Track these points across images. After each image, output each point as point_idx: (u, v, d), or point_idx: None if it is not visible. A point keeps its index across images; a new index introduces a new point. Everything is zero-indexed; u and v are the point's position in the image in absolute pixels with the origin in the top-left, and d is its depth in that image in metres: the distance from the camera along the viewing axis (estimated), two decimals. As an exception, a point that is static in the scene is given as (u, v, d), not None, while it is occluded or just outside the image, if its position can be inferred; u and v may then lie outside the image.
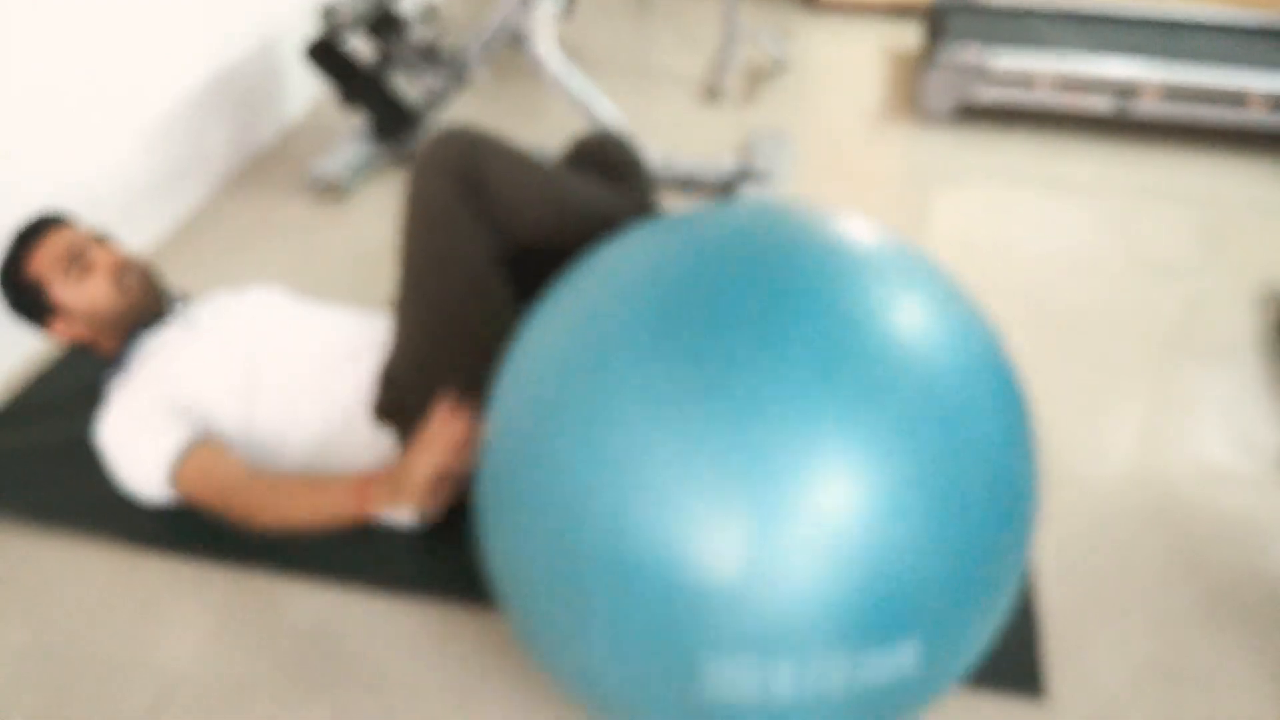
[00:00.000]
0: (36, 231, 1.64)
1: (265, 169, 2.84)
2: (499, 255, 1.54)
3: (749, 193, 2.61)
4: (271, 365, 1.60)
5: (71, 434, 1.84)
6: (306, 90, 3.10)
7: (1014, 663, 1.45)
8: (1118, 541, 1.68)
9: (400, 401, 1.55)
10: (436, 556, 1.60)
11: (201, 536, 1.63)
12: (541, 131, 3.03)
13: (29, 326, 1.69)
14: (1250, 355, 2.14)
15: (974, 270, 2.43)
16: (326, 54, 2.58)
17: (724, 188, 2.70)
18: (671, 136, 3.04)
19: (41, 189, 2.07)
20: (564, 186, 1.57)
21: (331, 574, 1.58)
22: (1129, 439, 1.89)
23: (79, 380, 1.98)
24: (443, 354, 1.51)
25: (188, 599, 1.55)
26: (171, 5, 2.43)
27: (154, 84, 2.41)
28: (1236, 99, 2.89)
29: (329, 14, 2.53)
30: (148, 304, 1.69)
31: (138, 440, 1.53)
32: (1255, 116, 2.90)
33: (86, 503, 1.69)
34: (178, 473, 1.52)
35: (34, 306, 1.64)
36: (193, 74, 2.57)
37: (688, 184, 2.72)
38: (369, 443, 1.59)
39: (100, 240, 1.68)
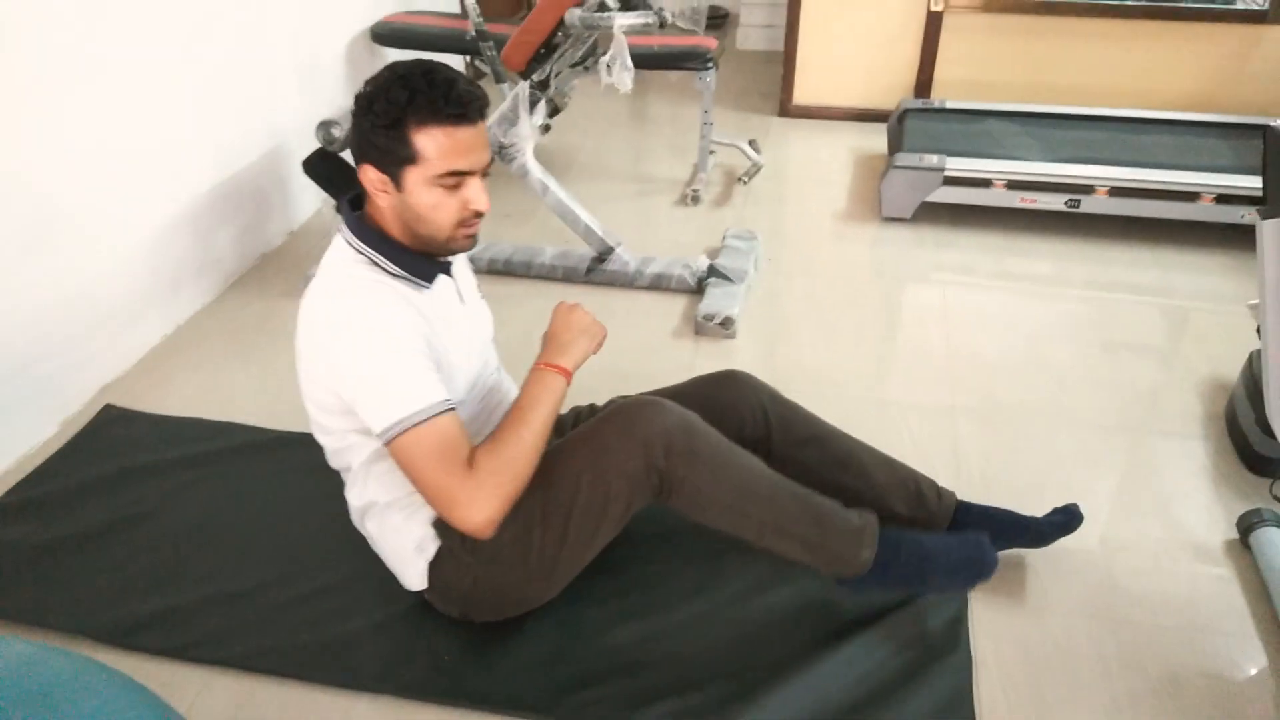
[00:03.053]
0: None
1: (271, 270, 3.00)
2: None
3: (717, 291, 2.75)
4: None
5: (63, 532, 1.94)
6: (313, 195, 3.29)
7: None
8: (1057, 631, 1.73)
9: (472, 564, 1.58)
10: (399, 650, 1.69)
11: (182, 638, 1.71)
12: (528, 233, 3.20)
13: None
14: (1197, 445, 2.24)
15: (930, 362, 2.55)
16: (322, 164, 2.76)
17: (697, 285, 2.84)
18: (653, 237, 3.20)
19: (50, 285, 2.22)
20: (755, 499, 1.59)
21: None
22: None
23: (77, 476, 2.09)
24: (537, 556, 1.57)
25: (159, 693, 1.63)
26: (185, 115, 2.62)
27: (165, 189, 2.59)
28: (1186, 194, 3.05)
29: (324, 127, 2.72)
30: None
31: (393, 365, 1.41)
32: (1204, 211, 3.05)
33: (72, 603, 1.77)
34: (416, 430, 1.40)
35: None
36: (203, 180, 2.75)
37: (659, 283, 2.87)
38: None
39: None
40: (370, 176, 1.44)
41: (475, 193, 1.45)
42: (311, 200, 3.29)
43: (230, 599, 1.79)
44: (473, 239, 1.51)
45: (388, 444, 1.42)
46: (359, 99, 1.42)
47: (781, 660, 1.64)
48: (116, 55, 2.35)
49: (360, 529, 1.69)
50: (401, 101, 1.38)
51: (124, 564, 1.87)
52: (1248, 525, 1.92)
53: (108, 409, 2.32)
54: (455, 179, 1.42)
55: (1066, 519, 1.83)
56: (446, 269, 1.57)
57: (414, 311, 1.46)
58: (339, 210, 1.56)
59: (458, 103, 1.39)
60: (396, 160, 1.41)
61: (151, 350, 2.58)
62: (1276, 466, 2.06)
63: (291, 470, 2.10)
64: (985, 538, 1.68)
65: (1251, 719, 1.59)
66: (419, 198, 1.43)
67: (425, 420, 1.40)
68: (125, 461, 2.14)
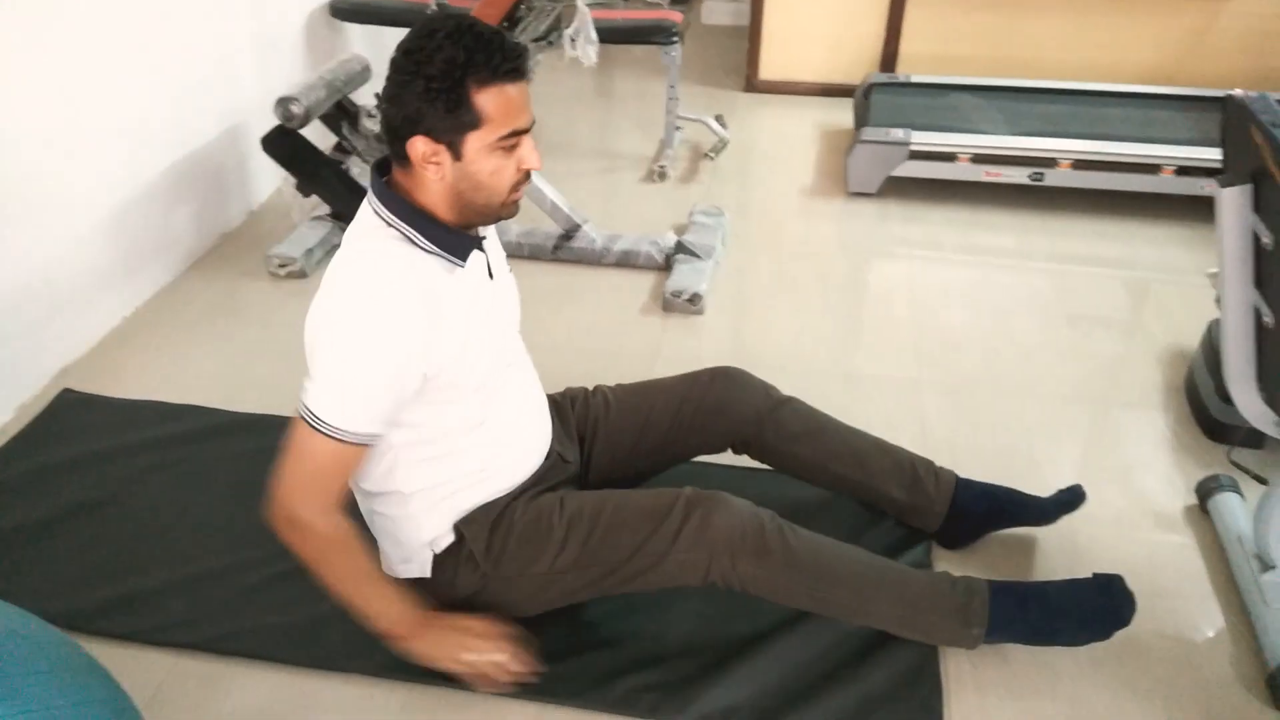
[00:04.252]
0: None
1: (230, 250, 2.95)
2: None
3: (685, 267, 2.75)
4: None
5: (23, 518, 1.91)
6: (272, 174, 3.23)
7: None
8: None
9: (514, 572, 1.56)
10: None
11: (148, 622, 1.69)
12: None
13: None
14: (1158, 414, 2.27)
15: (896, 336, 2.56)
16: (282, 143, 2.71)
17: (664, 262, 2.84)
18: (620, 214, 3.19)
19: (5, 269, 2.17)
20: (834, 587, 1.56)
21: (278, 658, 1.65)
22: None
23: (36, 461, 2.06)
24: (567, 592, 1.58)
25: (123, 684, 1.61)
26: (140, 93, 2.57)
27: (121, 169, 2.53)
28: (1147, 167, 3.08)
29: (283, 104, 2.67)
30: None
31: (357, 379, 1.36)
32: (1165, 183, 3.09)
33: (34, 589, 1.75)
34: (326, 439, 1.37)
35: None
36: (160, 160, 2.69)
37: (627, 260, 2.86)
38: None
39: None
40: (421, 150, 1.32)
41: (529, 151, 1.37)
42: (271, 179, 3.24)
43: (196, 582, 1.77)
44: (518, 204, 1.43)
45: (299, 414, 1.39)
46: (400, 65, 1.30)
47: (750, 634, 1.65)
48: (70, 34, 2.29)
49: (360, 504, 1.63)
50: (460, 61, 1.27)
51: (87, 549, 1.84)
52: (1206, 491, 1.96)
53: (66, 393, 2.28)
54: (515, 139, 1.34)
55: (1071, 497, 1.84)
56: (480, 243, 1.47)
57: (426, 320, 1.36)
58: (370, 183, 1.46)
59: (514, 56, 1.30)
60: (456, 127, 1.30)
61: (110, 333, 2.54)
62: (1234, 433, 2.10)
63: (255, 452, 2.05)
64: (1119, 581, 1.60)
65: (1209, 678, 1.62)
66: (480, 164, 1.34)
67: (336, 439, 1.37)
68: (85, 446, 2.10)
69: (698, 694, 1.55)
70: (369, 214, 1.41)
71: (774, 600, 1.57)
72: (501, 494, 1.59)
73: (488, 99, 1.29)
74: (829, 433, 1.82)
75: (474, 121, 1.30)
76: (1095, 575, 1.62)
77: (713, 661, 1.61)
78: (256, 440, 2.09)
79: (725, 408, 1.78)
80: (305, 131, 2.71)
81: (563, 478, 1.69)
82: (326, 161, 2.77)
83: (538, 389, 1.68)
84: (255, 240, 2.97)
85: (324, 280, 1.40)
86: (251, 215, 3.13)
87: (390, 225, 1.38)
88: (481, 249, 1.48)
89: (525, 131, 1.36)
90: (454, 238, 1.41)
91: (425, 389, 1.41)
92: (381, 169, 1.43)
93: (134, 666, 1.62)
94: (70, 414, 2.22)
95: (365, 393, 1.36)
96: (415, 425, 1.46)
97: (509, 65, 1.30)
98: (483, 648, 1.54)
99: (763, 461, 1.84)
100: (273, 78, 3.14)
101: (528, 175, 1.40)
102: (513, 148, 1.35)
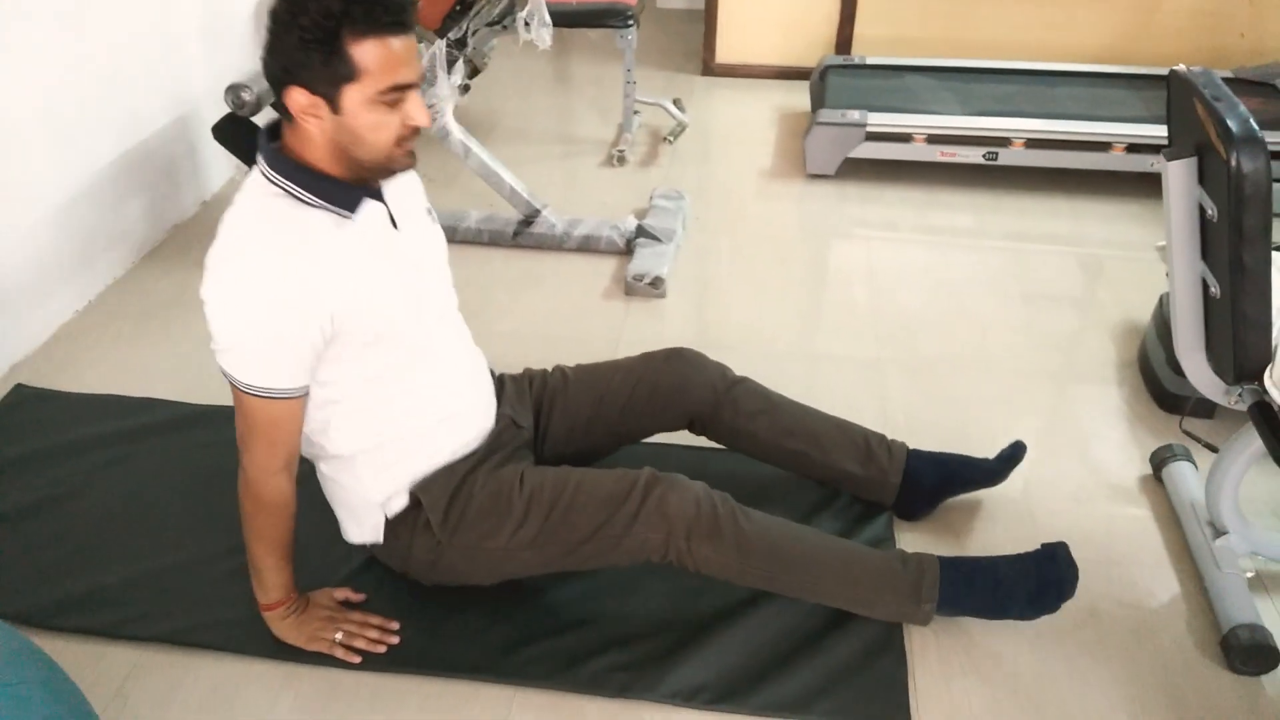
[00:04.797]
0: None
1: (184, 240, 2.91)
2: None
3: (646, 251, 2.75)
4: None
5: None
6: (226, 163, 3.18)
7: (882, 701, 1.54)
8: None
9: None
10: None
11: (110, 617, 1.67)
12: (453, 197, 3.15)
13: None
14: (1113, 388, 2.31)
15: (856, 316, 2.59)
16: (233, 130, 2.67)
17: (625, 246, 2.84)
18: (580, 199, 3.18)
19: (-51, 273, 2.12)
20: (785, 567, 1.59)
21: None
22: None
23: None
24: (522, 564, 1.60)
25: (86, 679, 1.59)
26: (86, 82, 2.51)
27: (66, 160, 2.48)
28: (1098, 144, 3.13)
29: (233, 90, 2.62)
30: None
31: (260, 337, 1.37)
32: (1116, 160, 3.14)
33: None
34: (254, 399, 1.40)
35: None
36: (109, 150, 2.64)
37: (588, 245, 2.85)
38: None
39: None
40: (299, 101, 1.30)
41: (415, 107, 1.34)
42: (224, 168, 3.19)
43: (160, 575, 1.75)
44: (413, 156, 1.40)
45: (228, 381, 1.41)
46: (277, 14, 1.28)
47: (716, 612, 1.67)
48: (8, 20, 2.24)
49: (317, 473, 1.64)
50: (335, 11, 1.24)
51: (46, 545, 1.82)
52: (1160, 460, 2.00)
53: (19, 389, 2.24)
54: (397, 94, 1.31)
55: (1013, 450, 1.88)
56: (375, 194, 1.45)
57: (312, 275, 1.35)
58: (258, 146, 1.44)
59: (396, 9, 1.28)
60: (332, 79, 1.28)
61: (63, 326, 2.49)
62: (1185, 403, 2.14)
63: (215, 444, 2.04)
64: (1063, 550, 1.63)
65: (1166, 643, 1.66)
66: (359, 119, 1.31)
67: (262, 398, 1.39)
68: (41, 442, 2.06)
69: (666, 672, 1.57)
70: (256, 175, 1.41)
71: (730, 582, 1.60)
72: (456, 458, 1.60)
73: (365, 51, 1.27)
74: (783, 411, 1.84)
75: (350, 74, 1.28)
76: (1042, 545, 1.65)
77: (680, 640, 1.62)
78: (215, 432, 2.06)
79: (681, 387, 1.80)
80: (257, 119, 2.67)
81: (518, 443, 1.71)
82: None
83: (474, 353, 1.70)
84: (209, 231, 2.81)
85: (211, 249, 1.40)
86: (204, 205, 3.08)
87: (273, 183, 1.38)
88: (380, 199, 1.46)
89: (410, 87, 1.33)
90: (340, 190, 1.39)
91: (339, 340, 1.41)
92: (272, 133, 1.43)
93: (97, 662, 1.60)
94: (24, 410, 2.18)
95: (265, 348, 1.37)
96: (338, 381, 1.46)
97: (390, 18, 1.27)
98: (347, 628, 1.62)
99: (718, 441, 1.86)
100: (224, 64, 3.09)
101: (416, 131, 1.37)
102: (396, 103, 1.32)
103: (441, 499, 1.56)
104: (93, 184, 2.58)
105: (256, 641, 1.63)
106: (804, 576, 1.60)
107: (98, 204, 2.61)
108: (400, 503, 1.57)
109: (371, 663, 1.59)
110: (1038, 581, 1.61)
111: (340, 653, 1.59)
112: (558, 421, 1.80)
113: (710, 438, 1.86)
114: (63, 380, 2.28)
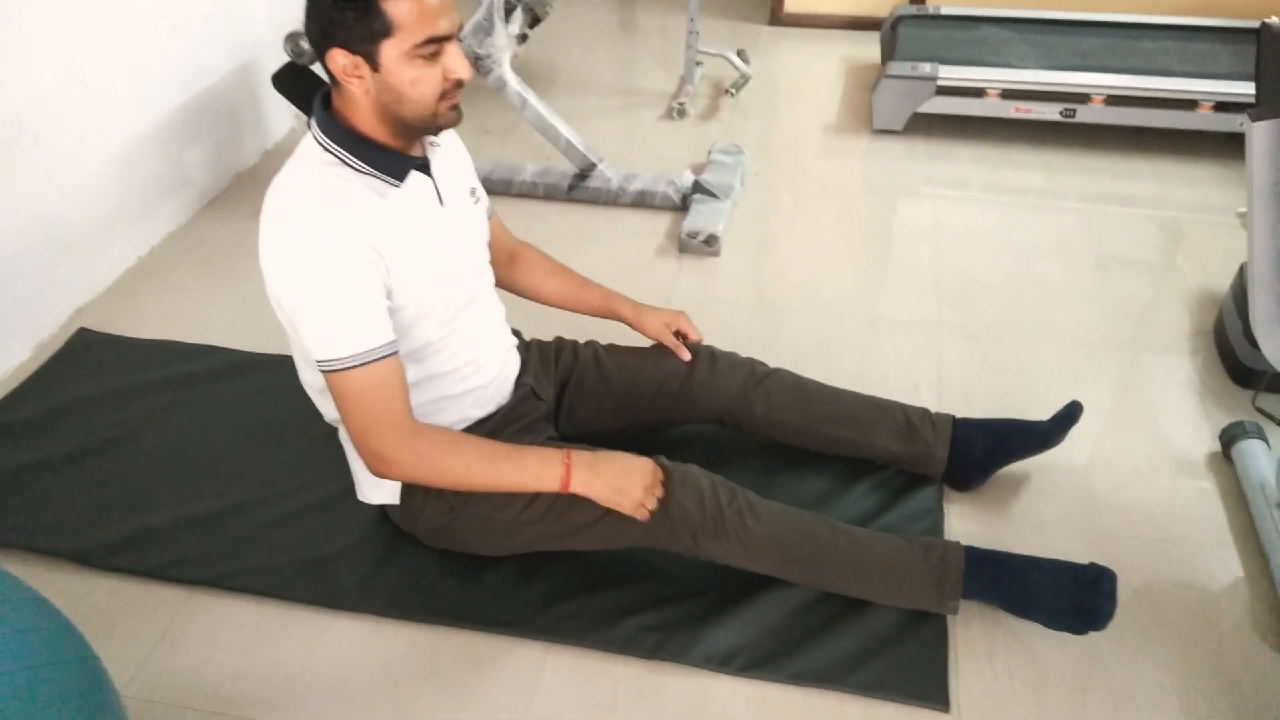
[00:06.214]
0: None
1: (245, 189, 2.94)
2: None
3: (702, 207, 2.70)
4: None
5: (40, 455, 1.93)
6: (287, 112, 3.20)
7: (919, 674, 1.51)
8: (1036, 547, 1.71)
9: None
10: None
11: (160, 558, 1.71)
12: (509, 149, 3.13)
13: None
14: (1185, 359, 2.21)
15: (918, 278, 2.51)
16: (292, 79, 2.67)
17: (681, 202, 2.79)
18: (637, 153, 3.13)
19: (20, 208, 2.17)
20: (797, 563, 1.56)
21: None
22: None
23: (52, 399, 2.07)
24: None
25: (135, 618, 1.64)
26: (151, 31, 2.54)
27: (131, 108, 2.51)
28: (1184, 102, 2.97)
29: (292, 39, 2.63)
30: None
31: (337, 298, 1.34)
32: (1202, 119, 2.98)
33: (51, 525, 1.77)
34: (353, 372, 1.35)
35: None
36: (172, 98, 2.67)
37: (643, 201, 2.81)
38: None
39: None
40: (340, 62, 1.31)
41: (455, 60, 1.33)
42: (286, 117, 3.21)
43: (209, 520, 1.78)
44: (458, 111, 1.39)
45: (321, 371, 1.37)
46: None
47: (753, 576, 1.64)
48: (73, -36, 2.26)
49: (340, 434, 1.63)
50: None
51: (102, 486, 1.86)
52: (1230, 437, 1.91)
53: (82, 332, 2.30)
54: (434, 46, 1.30)
55: (1069, 411, 1.79)
56: (423, 166, 1.45)
57: (365, 233, 1.34)
58: (313, 110, 1.45)
59: None
60: (368, 36, 1.28)
61: (125, 272, 2.54)
62: (1261, 378, 2.04)
63: (268, 392, 2.08)
64: (1108, 581, 1.52)
65: (1225, 627, 1.59)
66: (398, 74, 1.31)
67: (363, 365, 1.34)
68: (101, 385, 2.12)
69: (701, 636, 1.55)
70: (309, 141, 1.41)
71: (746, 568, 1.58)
72: (471, 422, 1.60)
73: (397, 4, 1.26)
74: (818, 398, 1.80)
75: (385, 29, 1.27)
76: (1090, 565, 1.55)
77: (716, 603, 1.60)
78: (271, 379, 2.10)
79: (709, 385, 1.77)
80: (317, 68, 2.67)
81: (537, 415, 1.69)
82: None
83: (504, 331, 1.69)
84: (271, 179, 2.93)
85: (262, 214, 1.39)
86: (266, 154, 3.11)
87: (325, 150, 1.38)
88: (428, 172, 1.46)
89: (446, 39, 1.32)
90: (390, 158, 1.39)
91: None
92: (325, 101, 1.42)
93: (146, 601, 1.65)
94: (86, 353, 2.23)
95: (348, 309, 1.34)
96: None
97: None
98: (636, 479, 1.48)
99: (754, 434, 1.82)
100: (285, 13, 3.09)
101: (459, 84, 1.36)
102: (434, 55, 1.31)
103: None
104: (156, 132, 2.61)
105: (299, 587, 1.66)
106: (816, 574, 1.58)
107: (161, 152, 2.64)
108: None
109: (409, 612, 1.61)
110: (1071, 604, 1.53)
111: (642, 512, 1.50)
112: (584, 401, 1.79)
113: (745, 431, 1.82)
114: (124, 324, 2.33)
